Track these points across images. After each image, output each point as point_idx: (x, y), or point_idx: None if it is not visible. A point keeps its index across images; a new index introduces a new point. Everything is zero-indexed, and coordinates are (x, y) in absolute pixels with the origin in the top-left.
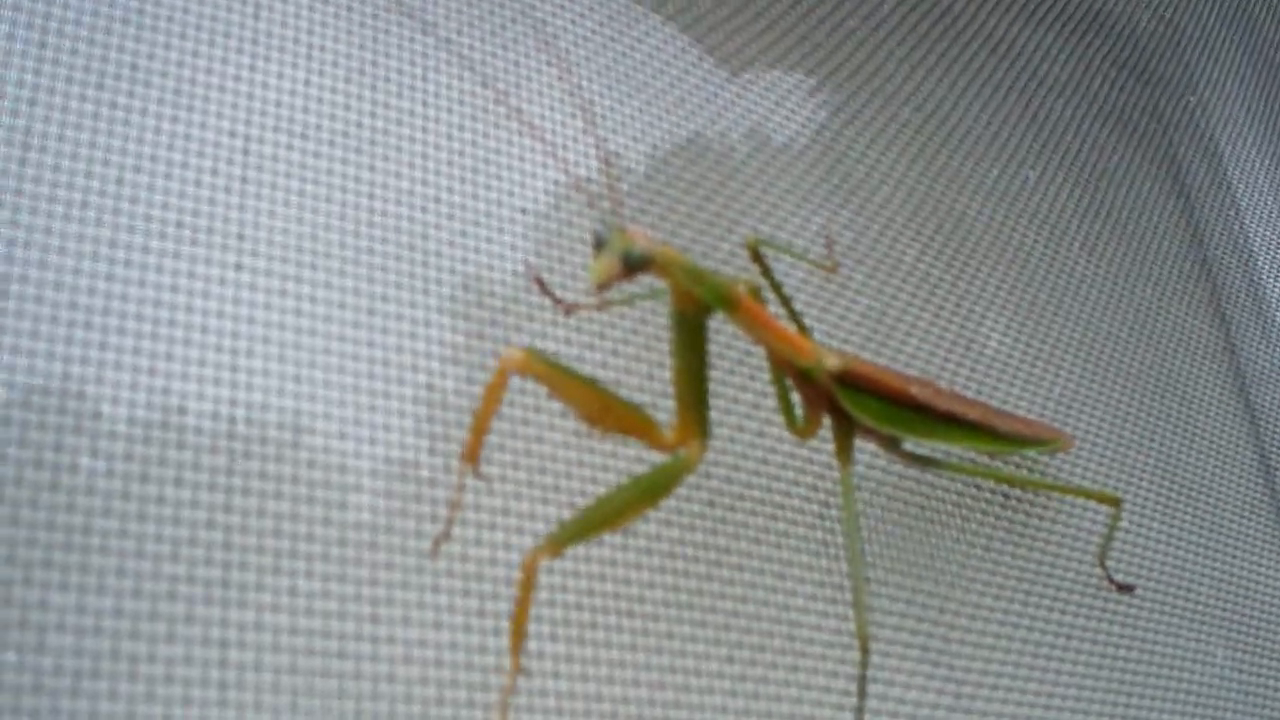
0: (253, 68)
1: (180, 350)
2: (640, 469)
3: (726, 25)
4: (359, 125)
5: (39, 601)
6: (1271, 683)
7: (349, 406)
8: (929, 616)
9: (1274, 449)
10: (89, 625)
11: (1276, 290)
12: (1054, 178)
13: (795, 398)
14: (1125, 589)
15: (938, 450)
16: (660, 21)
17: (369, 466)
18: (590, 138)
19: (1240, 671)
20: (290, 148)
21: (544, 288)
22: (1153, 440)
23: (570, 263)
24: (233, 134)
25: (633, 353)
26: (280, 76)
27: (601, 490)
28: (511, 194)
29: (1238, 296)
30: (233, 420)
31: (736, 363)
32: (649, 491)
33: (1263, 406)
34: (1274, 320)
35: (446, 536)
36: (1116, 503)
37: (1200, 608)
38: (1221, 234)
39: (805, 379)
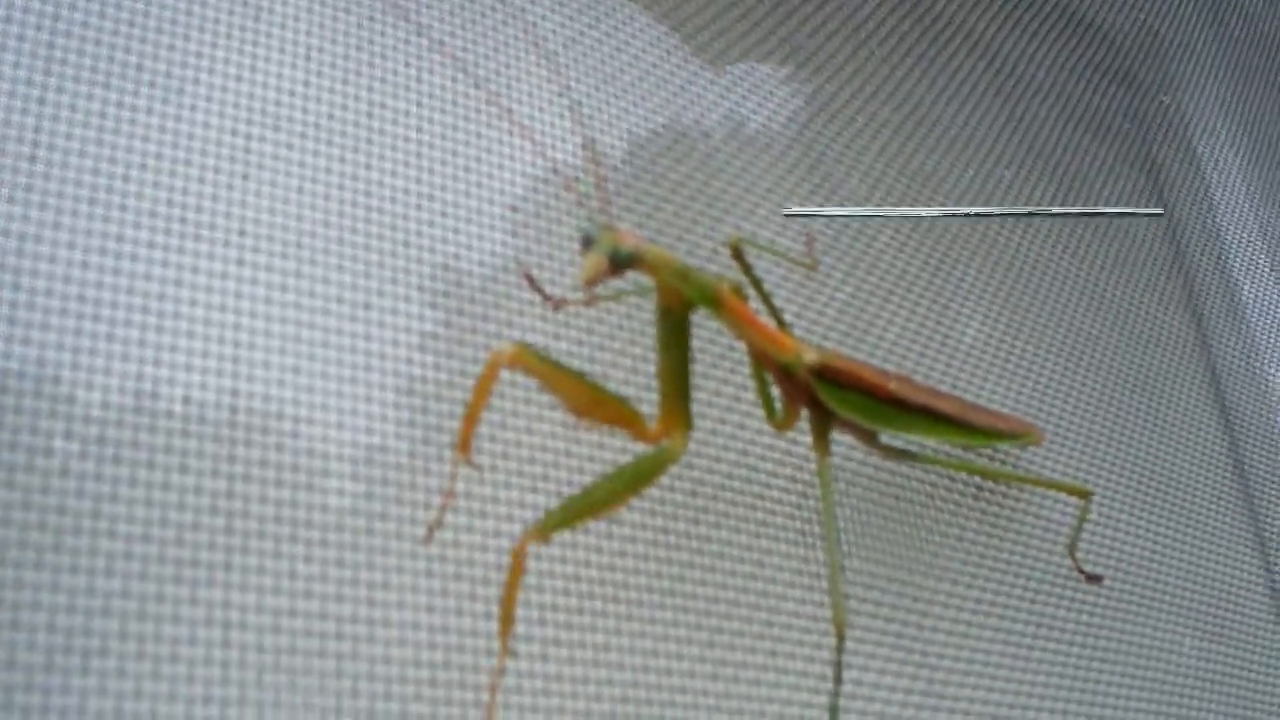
0: (253, 69)
1: (184, 342)
2: (626, 459)
3: (714, 25)
4: (356, 125)
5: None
6: (1238, 671)
7: (345, 398)
8: (903, 604)
9: (1245, 443)
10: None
11: (1249, 287)
12: (1030, 177)
13: (775, 391)
14: (1094, 579)
15: (913, 443)
16: (651, 20)
17: (365, 456)
18: (579, 137)
19: (1208, 660)
20: (290, 146)
21: (533, 284)
22: (1125, 434)
23: (559, 259)
24: (234, 132)
25: (619, 347)
26: (280, 77)
27: (589, 479)
28: (502, 192)
29: (1211, 293)
30: (234, 410)
31: (719, 357)
32: (634, 480)
33: (1234, 402)
34: (1246, 317)
35: (439, 523)
36: (1087, 495)
37: (1169, 598)
38: (1196, 232)
39: (785, 373)
